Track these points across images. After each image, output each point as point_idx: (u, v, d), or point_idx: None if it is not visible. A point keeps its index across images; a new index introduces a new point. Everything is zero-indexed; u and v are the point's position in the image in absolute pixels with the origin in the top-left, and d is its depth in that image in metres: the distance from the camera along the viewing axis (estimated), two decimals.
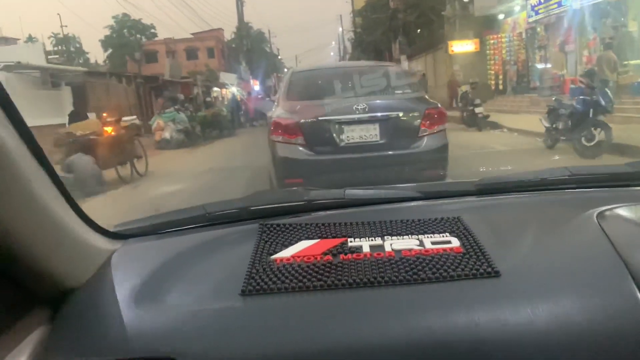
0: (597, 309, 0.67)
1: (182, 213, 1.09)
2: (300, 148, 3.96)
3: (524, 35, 16.45)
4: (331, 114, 3.98)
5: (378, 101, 4.22)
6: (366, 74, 4.58)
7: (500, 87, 17.47)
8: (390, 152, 3.98)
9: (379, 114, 4.00)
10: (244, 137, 15.81)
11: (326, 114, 3.99)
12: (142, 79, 16.97)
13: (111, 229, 0.96)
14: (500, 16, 16.94)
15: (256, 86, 43.51)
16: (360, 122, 3.98)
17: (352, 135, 3.97)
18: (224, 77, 34.49)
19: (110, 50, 43.76)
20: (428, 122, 4.04)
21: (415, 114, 4.09)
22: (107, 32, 44.29)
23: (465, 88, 13.11)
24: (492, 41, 17.87)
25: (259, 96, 23.63)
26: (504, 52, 17.32)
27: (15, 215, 0.63)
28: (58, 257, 0.73)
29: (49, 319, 0.72)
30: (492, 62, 18.02)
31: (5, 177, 0.61)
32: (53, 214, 0.71)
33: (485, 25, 18.32)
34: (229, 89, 33.57)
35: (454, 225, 0.91)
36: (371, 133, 3.98)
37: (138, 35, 46.05)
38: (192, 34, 47.88)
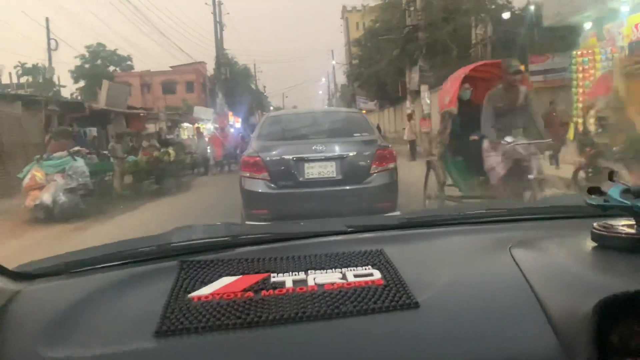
0: (510, 342, 0.68)
1: (97, 250, 1.03)
2: (265, 182, 4.46)
3: (626, 50, 10.29)
4: (293, 152, 4.50)
5: (335, 142, 4.74)
6: (329, 119, 5.76)
7: (592, 126, 10.00)
8: (345, 187, 4.47)
9: (335, 154, 4.54)
10: (201, 192, 10.49)
11: (289, 152, 4.52)
12: (58, 105, 11.48)
13: (14, 269, 0.89)
14: (587, 25, 11.36)
15: (237, 123, 39.62)
16: (318, 160, 4.49)
17: (312, 171, 4.48)
18: (199, 111, 29.95)
19: (82, 83, 39.58)
20: (378, 161, 4.56)
21: (367, 153, 4.62)
22: (78, 62, 40.47)
23: (593, 119, 7.70)
24: (580, 59, 11.51)
25: (238, 134, 18.68)
26: (597, 74, 10.81)
27: None
28: None
29: None
30: (579, 89, 11.55)
31: None
32: None
33: (555, 39, 13.50)
34: (204, 125, 28.99)
35: (376, 258, 0.91)
36: (328, 170, 4.49)
37: (112, 67, 42.43)
38: (171, 67, 43.99)
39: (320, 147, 4.48)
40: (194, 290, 0.80)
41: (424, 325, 0.71)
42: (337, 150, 4.56)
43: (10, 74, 33.68)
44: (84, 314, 0.76)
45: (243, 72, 50.41)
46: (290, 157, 4.45)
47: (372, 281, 0.81)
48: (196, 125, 27.33)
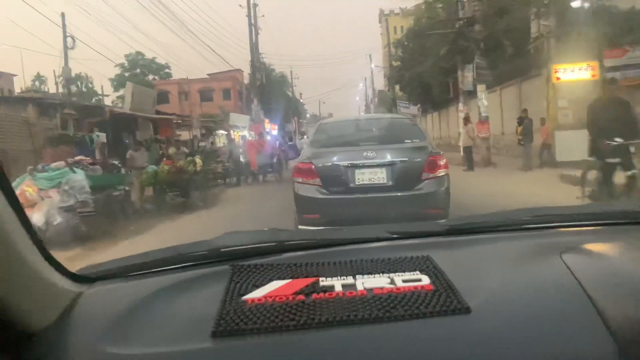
0: (566, 345, 0.68)
1: (151, 255, 1.07)
2: (317, 188, 4.52)
3: None
4: (344, 159, 4.55)
5: (386, 148, 4.69)
6: (380, 125, 5.66)
7: None
8: (395, 193, 4.43)
9: (386, 160, 4.52)
10: (230, 207, 9.16)
11: (340, 159, 4.57)
12: (74, 109, 10.42)
13: (76, 272, 0.92)
14: None
15: (274, 130, 38.85)
16: (369, 166, 4.48)
17: (362, 177, 4.48)
18: (235, 118, 29.18)
19: (121, 91, 40.20)
20: (430, 167, 4.49)
21: (419, 160, 4.55)
22: (118, 71, 41.06)
23: None
24: None
25: (275, 142, 17.71)
26: None
27: None
28: (21, 299, 0.70)
29: None
30: None
31: None
32: (19, 254, 0.69)
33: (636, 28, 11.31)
34: (239, 132, 28.14)
35: (423, 264, 0.91)
36: (379, 176, 4.48)
37: (151, 76, 42.88)
38: (209, 74, 43.90)
39: (371, 154, 4.50)
40: (246, 293, 0.82)
41: (476, 329, 0.71)
42: (388, 156, 4.55)
43: (56, 83, 34.69)
44: (143, 315, 0.79)
45: (279, 79, 49.83)
46: (342, 163, 4.52)
47: (422, 286, 0.81)
48: (230, 132, 26.42)
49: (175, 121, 18.37)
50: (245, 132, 28.32)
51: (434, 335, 0.71)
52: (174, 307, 0.81)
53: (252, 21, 25.85)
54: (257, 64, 26.30)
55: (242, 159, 13.78)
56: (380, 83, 56.24)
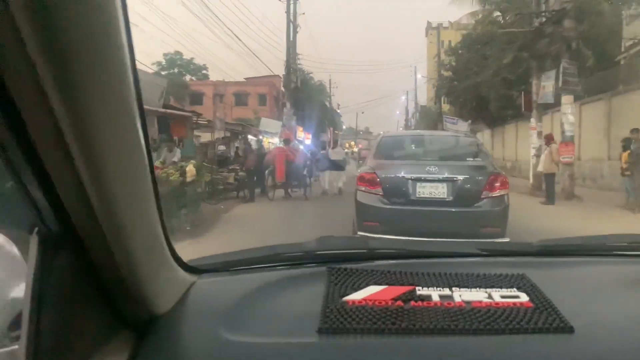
0: None
1: (252, 252, 1.12)
2: (379, 197, 4.74)
3: None
4: (407, 172, 4.77)
5: (448, 165, 4.91)
6: (443, 142, 5.93)
7: None
8: (455, 209, 4.60)
9: (447, 176, 4.68)
10: (225, 237, 6.62)
11: (402, 171, 4.80)
12: None
13: (188, 262, 0.96)
14: None
15: (307, 140, 36.67)
16: (430, 181, 4.67)
17: (423, 191, 4.66)
18: (266, 123, 27.11)
19: None
20: (490, 186, 4.62)
21: (480, 178, 4.71)
22: (156, 68, 40.33)
23: None
24: None
25: (308, 152, 15.64)
26: None
27: (134, 239, 0.66)
28: (152, 285, 0.75)
29: (134, 344, 0.74)
30: None
31: (137, 188, 0.65)
32: (157, 244, 0.75)
33: None
34: (269, 138, 25.98)
35: (519, 282, 0.91)
36: (439, 191, 4.64)
37: (188, 76, 41.94)
38: (246, 78, 42.39)
39: (433, 169, 4.69)
40: (346, 294, 0.85)
41: (580, 350, 0.71)
42: (450, 172, 4.69)
43: None
44: (251, 307, 0.84)
45: (318, 87, 47.85)
46: (404, 176, 4.72)
47: (521, 303, 0.81)
48: (259, 137, 24.26)
49: (195, 120, 16.23)
50: (277, 139, 26.35)
51: (535, 351, 0.71)
52: (278, 302, 0.86)
53: (291, 17, 23.76)
54: (292, 66, 24.30)
55: (262, 169, 11.34)
56: (424, 97, 53.06)
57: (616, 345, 0.71)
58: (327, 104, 51.35)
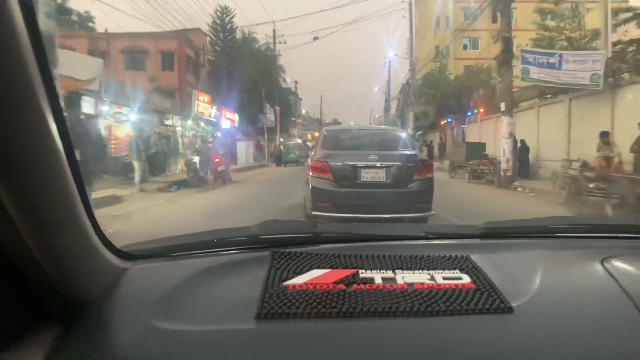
0: (609, 348, 0.68)
1: (192, 237, 1.08)
2: (330, 182, 5.51)
3: None
4: (353, 160, 5.57)
5: (385, 154, 5.75)
6: (377, 135, 6.91)
7: None
8: (392, 190, 5.53)
9: (385, 163, 5.55)
10: None
11: (349, 160, 5.58)
12: None
13: (121, 248, 0.93)
14: None
15: (232, 122, 26.96)
16: (372, 167, 5.54)
17: (366, 176, 5.53)
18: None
19: None
20: (419, 171, 5.58)
21: (410, 164, 5.61)
22: None
23: None
24: None
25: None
26: None
27: (47, 225, 0.64)
28: (75, 271, 0.73)
29: (59, 334, 0.72)
30: None
31: (53, 186, 0.63)
32: (76, 227, 0.71)
33: None
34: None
35: (462, 263, 0.92)
36: (379, 175, 5.54)
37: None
38: (147, 33, 28.82)
39: (374, 157, 5.54)
40: (287, 279, 0.84)
41: (518, 329, 0.72)
42: (387, 160, 5.55)
43: None
44: (187, 294, 0.81)
45: (263, 53, 34.52)
46: (350, 163, 5.52)
47: (462, 284, 0.82)
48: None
49: None
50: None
51: (475, 332, 0.71)
52: (216, 289, 0.84)
53: None
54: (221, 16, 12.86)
55: None
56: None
57: (552, 324, 0.72)
58: (281, 79, 38.19)
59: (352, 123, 47.11)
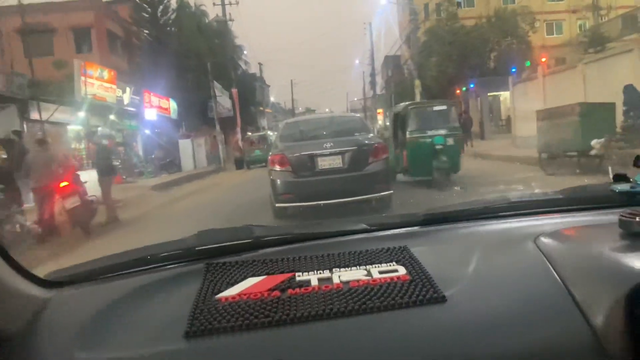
0: (540, 330, 0.69)
1: (122, 256, 1.05)
2: (289, 173, 5.95)
3: None
4: (309, 150, 6.04)
5: (341, 140, 6.19)
6: (335, 122, 7.44)
7: None
8: (350, 174, 5.94)
9: (341, 149, 5.97)
10: None
11: (306, 150, 6.06)
12: None
13: (44, 276, 0.91)
14: None
15: (166, 112, 22.27)
16: (328, 154, 5.94)
17: (324, 163, 5.95)
18: None
19: None
20: (374, 153, 6.05)
21: (366, 148, 6.07)
22: None
23: None
24: None
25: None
26: None
27: None
28: None
29: None
30: None
31: None
32: None
33: None
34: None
35: (400, 254, 0.92)
36: (336, 162, 5.95)
37: None
38: (52, 3, 23.23)
39: (330, 145, 5.97)
40: (220, 291, 0.81)
41: (452, 318, 0.72)
42: (343, 146, 5.96)
43: None
44: (115, 318, 0.78)
45: (215, 29, 28.13)
46: (307, 153, 5.95)
47: (398, 277, 0.82)
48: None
49: None
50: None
51: (409, 325, 0.71)
52: (146, 309, 0.80)
53: None
54: None
55: None
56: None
57: (485, 310, 0.72)
58: (242, 63, 31.78)
59: (327, 110, 48.52)
